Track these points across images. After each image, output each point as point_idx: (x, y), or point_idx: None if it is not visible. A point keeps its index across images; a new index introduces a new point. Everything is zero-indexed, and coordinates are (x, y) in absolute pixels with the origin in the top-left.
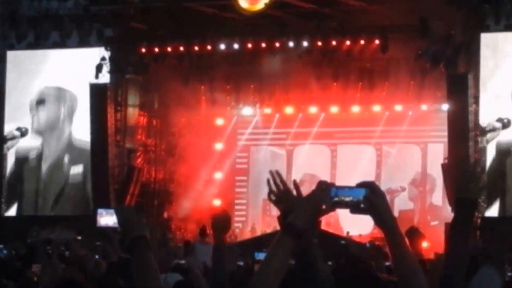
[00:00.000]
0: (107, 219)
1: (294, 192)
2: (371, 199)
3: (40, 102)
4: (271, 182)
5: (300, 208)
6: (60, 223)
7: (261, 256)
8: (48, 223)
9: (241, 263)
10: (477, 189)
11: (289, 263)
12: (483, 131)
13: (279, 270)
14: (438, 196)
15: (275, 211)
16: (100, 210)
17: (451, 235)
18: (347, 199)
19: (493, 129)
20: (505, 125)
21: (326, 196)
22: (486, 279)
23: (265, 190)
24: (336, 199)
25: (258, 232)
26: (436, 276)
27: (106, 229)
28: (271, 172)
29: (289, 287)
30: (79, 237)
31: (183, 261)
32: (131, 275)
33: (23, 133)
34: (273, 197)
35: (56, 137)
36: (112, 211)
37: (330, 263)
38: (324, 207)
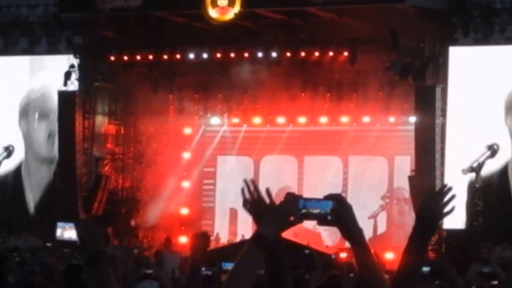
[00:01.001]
0: (69, 232)
1: (267, 200)
2: (338, 212)
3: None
4: (245, 190)
5: (269, 220)
6: (27, 230)
7: (228, 266)
8: (16, 229)
9: (209, 273)
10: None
11: (258, 273)
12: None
13: (247, 280)
14: (405, 208)
15: (241, 221)
16: (60, 223)
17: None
18: (315, 211)
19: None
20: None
21: (294, 207)
22: None
23: (231, 200)
24: (304, 211)
25: (223, 241)
26: None
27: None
28: (245, 181)
29: None
30: (48, 244)
31: (150, 271)
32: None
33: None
34: (247, 206)
35: None
36: (72, 224)
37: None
38: (292, 218)
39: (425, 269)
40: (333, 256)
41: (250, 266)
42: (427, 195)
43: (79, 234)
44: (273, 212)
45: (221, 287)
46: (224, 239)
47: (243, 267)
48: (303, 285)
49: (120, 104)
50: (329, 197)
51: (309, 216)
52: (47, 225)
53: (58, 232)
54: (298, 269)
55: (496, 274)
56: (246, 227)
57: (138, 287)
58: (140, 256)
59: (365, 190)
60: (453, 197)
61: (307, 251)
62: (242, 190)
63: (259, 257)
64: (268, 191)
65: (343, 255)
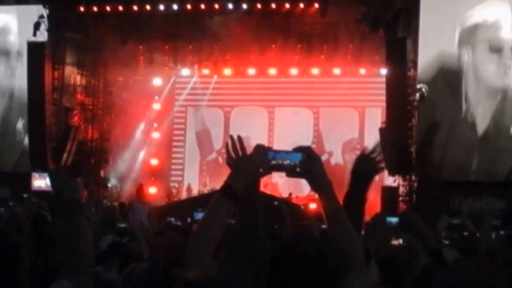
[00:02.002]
0: (41, 181)
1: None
2: (307, 164)
3: None
4: (230, 147)
5: (238, 171)
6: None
7: (199, 215)
8: None
9: (178, 223)
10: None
11: (228, 223)
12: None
13: (216, 230)
14: None
15: (212, 172)
16: (34, 173)
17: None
18: (284, 162)
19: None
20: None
21: (264, 159)
22: None
23: (201, 151)
24: (273, 162)
25: (195, 192)
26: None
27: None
28: (231, 137)
29: (229, 246)
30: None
31: (123, 224)
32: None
33: None
34: (231, 163)
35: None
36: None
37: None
38: (261, 170)
39: (394, 220)
40: (302, 207)
41: (219, 217)
42: (361, 153)
43: (52, 183)
44: (242, 163)
45: (191, 236)
46: (195, 190)
47: (212, 217)
48: (273, 236)
49: (89, 55)
50: (298, 149)
51: (278, 168)
52: (17, 175)
53: (35, 183)
54: (268, 220)
55: (466, 226)
56: (216, 178)
57: (104, 240)
58: (110, 207)
59: (336, 142)
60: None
61: (276, 202)
62: (227, 146)
63: (229, 207)
64: (240, 139)
65: (312, 206)
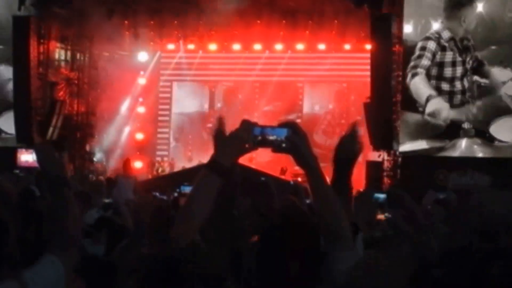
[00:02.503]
0: (27, 156)
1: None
2: (292, 139)
3: None
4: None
5: (224, 146)
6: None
7: (186, 189)
8: None
9: (164, 197)
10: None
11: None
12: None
13: (204, 205)
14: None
15: (196, 147)
16: (20, 149)
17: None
18: (270, 138)
19: None
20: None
21: (249, 134)
22: None
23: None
24: (259, 138)
25: (179, 167)
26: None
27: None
28: (219, 118)
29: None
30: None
31: (108, 200)
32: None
33: None
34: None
35: None
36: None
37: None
38: (247, 145)
39: (381, 196)
40: (292, 183)
41: (206, 192)
42: (342, 138)
43: (38, 158)
44: (228, 139)
45: (178, 212)
46: (179, 165)
47: (200, 192)
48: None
49: (75, 29)
50: (284, 125)
51: (264, 143)
52: (2, 150)
53: (22, 158)
54: (255, 196)
55: (452, 201)
56: (201, 153)
57: (88, 214)
58: (97, 182)
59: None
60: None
61: (262, 178)
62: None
63: (215, 182)
64: (221, 120)
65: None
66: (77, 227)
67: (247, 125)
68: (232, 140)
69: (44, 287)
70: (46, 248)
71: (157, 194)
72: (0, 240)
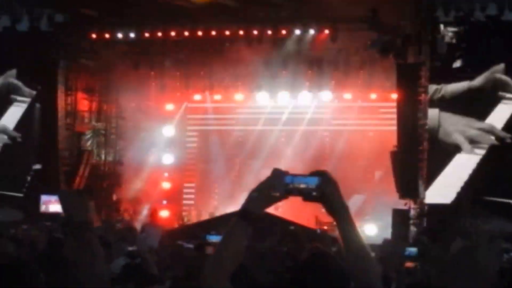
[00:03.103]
0: (54, 206)
1: None
2: (323, 188)
3: None
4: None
5: (255, 194)
6: (7, 203)
7: (212, 238)
8: None
9: (191, 246)
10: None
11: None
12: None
13: (235, 253)
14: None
15: (223, 196)
16: (44, 196)
17: None
18: (301, 186)
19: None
20: None
21: (280, 183)
22: None
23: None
24: (290, 186)
25: (205, 216)
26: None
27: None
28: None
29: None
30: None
31: (132, 248)
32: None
33: None
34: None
35: None
36: (55, 197)
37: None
38: (278, 194)
39: (413, 250)
40: (319, 231)
41: (237, 240)
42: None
43: (63, 205)
44: (259, 187)
45: (208, 259)
46: (205, 213)
47: (230, 240)
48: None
49: (102, 80)
50: (315, 173)
51: (295, 192)
52: (29, 199)
53: (43, 207)
54: (285, 244)
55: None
56: (227, 202)
57: (115, 263)
58: (124, 230)
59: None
60: None
61: (292, 227)
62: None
63: (246, 231)
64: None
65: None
66: (103, 271)
67: (278, 174)
68: (263, 188)
69: None
70: None
71: (183, 243)
72: (29, 285)
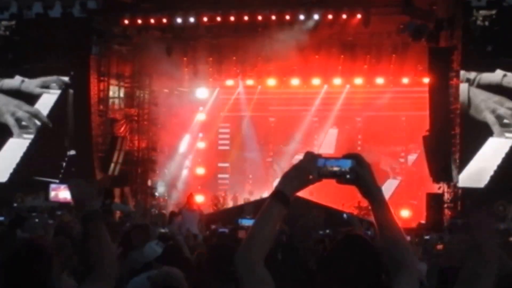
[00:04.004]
0: (63, 193)
1: None
2: (357, 170)
3: None
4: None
5: (289, 177)
6: (43, 189)
7: (244, 222)
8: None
9: (226, 230)
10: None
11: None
12: None
13: (269, 235)
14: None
15: (257, 180)
16: (53, 185)
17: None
18: (334, 169)
19: None
20: None
21: (313, 166)
22: None
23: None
24: (323, 169)
25: (240, 200)
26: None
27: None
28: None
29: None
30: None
31: (165, 230)
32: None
33: None
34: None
35: None
36: (64, 185)
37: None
38: (311, 177)
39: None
40: (345, 216)
41: (271, 221)
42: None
43: (72, 194)
44: (293, 170)
45: (242, 242)
46: (240, 198)
47: (264, 221)
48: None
49: (135, 66)
50: (348, 156)
51: (328, 175)
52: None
53: (52, 194)
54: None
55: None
56: (261, 186)
57: (148, 245)
58: (158, 215)
59: (380, 149)
60: None
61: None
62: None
63: (280, 212)
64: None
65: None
66: (111, 256)
67: (311, 157)
68: (297, 172)
69: None
70: (88, 279)
71: (218, 227)
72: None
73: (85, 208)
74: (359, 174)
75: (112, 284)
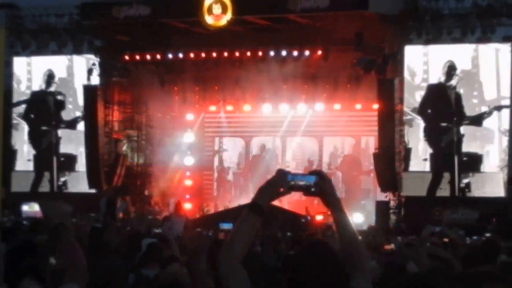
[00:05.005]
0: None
1: None
2: (320, 184)
3: None
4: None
5: (263, 190)
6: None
7: (224, 225)
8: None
9: (209, 233)
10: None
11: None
12: None
13: (246, 240)
14: (368, 180)
15: (233, 192)
16: (24, 203)
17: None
18: (301, 183)
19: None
20: None
21: (284, 180)
22: None
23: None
24: (292, 183)
25: (221, 208)
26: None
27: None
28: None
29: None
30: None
31: (158, 230)
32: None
33: None
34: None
35: None
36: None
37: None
38: (281, 190)
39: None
40: (303, 220)
41: (247, 228)
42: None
43: (43, 211)
44: (266, 184)
45: (222, 244)
46: (221, 206)
47: (242, 228)
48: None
49: (134, 95)
50: (312, 172)
51: (296, 188)
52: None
53: (24, 208)
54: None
55: (445, 234)
56: (240, 196)
57: (143, 242)
58: (152, 220)
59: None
60: None
61: (303, 220)
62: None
63: (255, 221)
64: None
65: (319, 217)
66: (81, 263)
67: (281, 173)
68: (269, 185)
69: None
70: (65, 279)
71: (202, 230)
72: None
73: (55, 221)
74: (322, 187)
75: (84, 286)
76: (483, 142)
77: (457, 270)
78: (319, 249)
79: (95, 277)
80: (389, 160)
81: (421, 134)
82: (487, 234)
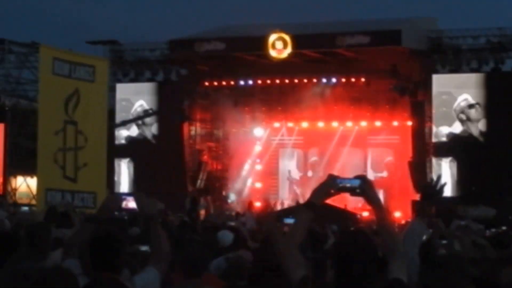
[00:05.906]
0: (131, 203)
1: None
2: (363, 187)
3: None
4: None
5: (317, 191)
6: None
7: (288, 220)
8: None
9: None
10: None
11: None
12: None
13: (302, 231)
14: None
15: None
16: (123, 196)
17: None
18: (348, 186)
19: None
20: None
21: (334, 183)
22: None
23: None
24: (340, 185)
25: (285, 205)
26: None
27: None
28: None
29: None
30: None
31: (233, 223)
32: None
33: None
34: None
35: None
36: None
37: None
38: (332, 191)
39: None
40: (358, 216)
41: (303, 222)
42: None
43: (137, 203)
44: (319, 186)
45: (285, 235)
46: (286, 204)
47: (300, 223)
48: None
49: (213, 114)
50: (357, 177)
51: (344, 190)
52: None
53: (123, 203)
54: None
55: (469, 227)
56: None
57: (218, 234)
58: (228, 215)
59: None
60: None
61: (357, 216)
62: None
63: (310, 216)
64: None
65: (365, 214)
66: (167, 249)
67: (332, 177)
68: (322, 187)
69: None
70: (148, 262)
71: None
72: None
73: (147, 212)
74: (365, 189)
75: (165, 268)
76: None
77: (493, 255)
78: (358, 235)
79: (187, 256)
80: (421, 167)
81: None
82: (503, 227)
